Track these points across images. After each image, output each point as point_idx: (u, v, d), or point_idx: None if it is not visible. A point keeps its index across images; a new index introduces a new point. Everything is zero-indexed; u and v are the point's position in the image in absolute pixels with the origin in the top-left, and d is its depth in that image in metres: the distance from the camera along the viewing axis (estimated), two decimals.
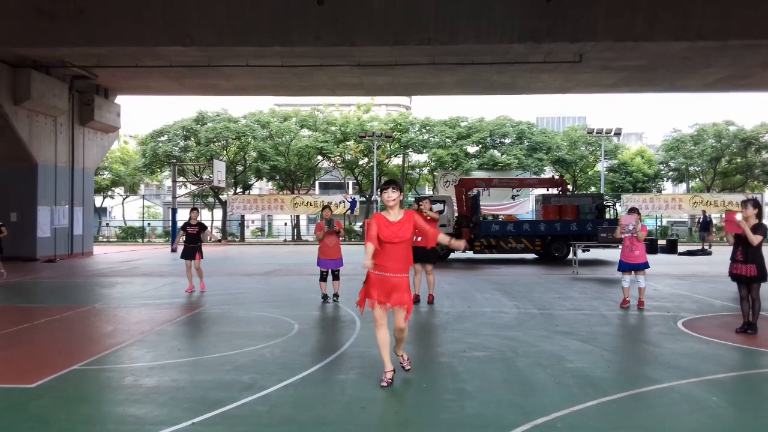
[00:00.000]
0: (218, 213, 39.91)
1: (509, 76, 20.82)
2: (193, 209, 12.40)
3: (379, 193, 5.48)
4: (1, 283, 13.78)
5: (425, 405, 4.90)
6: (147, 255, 23.90)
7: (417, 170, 40.44)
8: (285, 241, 37.74)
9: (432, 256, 10.23)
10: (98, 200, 40.22)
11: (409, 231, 5.29)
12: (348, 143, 38.03)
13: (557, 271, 16.49)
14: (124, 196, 44.59)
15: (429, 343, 7.36)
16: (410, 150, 38.28)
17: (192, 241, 11.80)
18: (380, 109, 51.17)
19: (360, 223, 37.19)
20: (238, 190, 38.78)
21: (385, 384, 5.26)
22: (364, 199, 38.03)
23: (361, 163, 38.99)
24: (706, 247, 24.33)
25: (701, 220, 26.71)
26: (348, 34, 16.15)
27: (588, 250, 19.40)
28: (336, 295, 10.41)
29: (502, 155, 37.98)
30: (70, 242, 22.30)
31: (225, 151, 37.41)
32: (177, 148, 37.31)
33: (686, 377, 5.57)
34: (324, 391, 5.21)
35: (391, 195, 5.26)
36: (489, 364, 6.11)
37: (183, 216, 35.07)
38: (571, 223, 19.83)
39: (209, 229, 12.60)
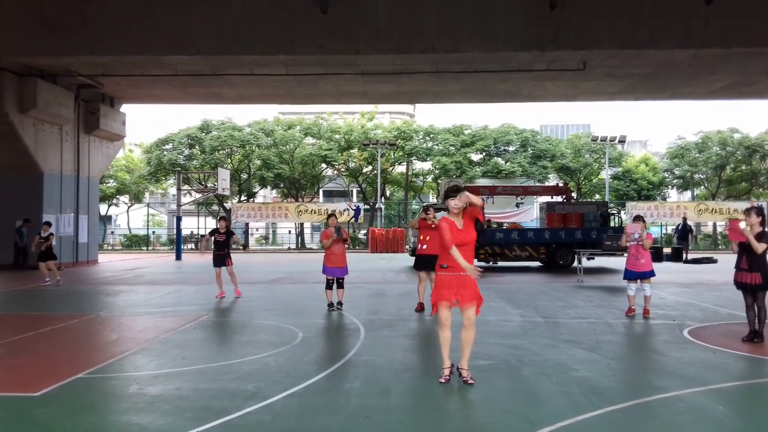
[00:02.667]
0: None
1: (513, 83, 20.85)
2: (222, 218, 12.82)
3: (441, 198, 5.93)
4: (45, 287, 14.21)
5: (430, 414, 4.89)
6: (152, 263, 23.94)
7: (421, 178, 40.46)
8: (289, 249, 37.75)
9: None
10: (103, 208, 40.34)
11: (473, 233, 5.61)
12: (352, 151, 38.11)
13: (562, 279, 16.44)
14: (129, 205, 44.73)
15: (433, 351, 7.32)
16: (414, 158, 38.33)
17: (221, 248, 12.11)
18: (384, 117, 51.28)
19: (364, 231, 37.19)
20: (243, 198, 38.87)
21: (443, 380, 5.55)
22: (368, 206, 38.05)
23: (365, 170, 39.04)
24: (694, 257, 23.84)
25: (680, 227, 25.96)
26: (352, 42, 16.21)
27: (593, 258, 19.32)
28: (340, 303, 10.39)
29: (506, 163, 38.01)
30: (76, 250, 22.35)
31: (229, 159, 37.52)
32: (182, 157, 37.46)
33: (692, 386, 5.54)
34: (328, 400, 5.20)
35: (458, 204, 5.52)
36: (494, 372, 6.09)
37: (188, 224, 35.25)
38: (576, 231, 19.77)
39: (236, 235, 12.88)
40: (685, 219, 26.94)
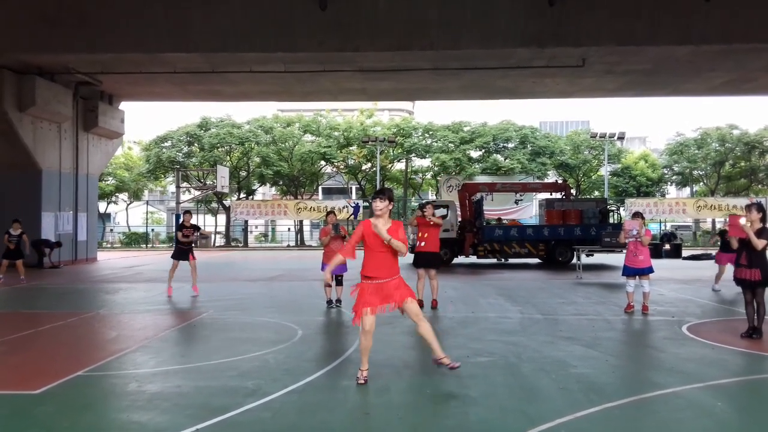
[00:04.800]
0: (222, 218, 39.97)
1: (512, 80, 20.82)
2: (187, 212, 12.60)
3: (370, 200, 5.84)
4: (9, 287, 13.85)
5: (429, 411, 4.89)
6: (151, 261, 23.93)
7: (420, 175, 40.47)
8: (288, 246, 37.76)
9: (436, 262, 10.22)
10: (102, 206, 40.32)
11: (400, 236, 5.56)
12: (351, 148, 38.09)
13: (561, 275, 16.45)
14: (128, 202, 44.73)
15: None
16: (413, 155, 38.33)
17: (185, 243, 12.01)
18: (383, 114, 51.19)
19: None
20: (242, 195, 38.86)
21: (362, 381, 5.50)
22: (367, 204, 38.03)
23: (364, 168, 39.04)
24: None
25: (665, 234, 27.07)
26: (351, 39, 16.18)
27: (592, 255, 19.34)
28: (339, 301, 10.39)
29: (505, 160, 38.02)
30: (75, 248, 22.34)
31: (228, 157, 37.50)
32: (181, 154, 37.44)
33: (691, 382, 5.55)
34: (328, 397, 5.20)
35: (379, 204, 5.57)
36: (493, 369, 6.09)
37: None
38: (575, 228, 19.79)
39: (202, 229, 12.69)
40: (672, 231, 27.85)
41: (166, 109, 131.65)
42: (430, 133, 38.22)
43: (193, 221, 12.54)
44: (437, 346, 5.60)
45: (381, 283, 5.52)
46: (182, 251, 12.02)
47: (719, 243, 13.21)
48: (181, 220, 12.28)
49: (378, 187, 34.94)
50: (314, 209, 34.38)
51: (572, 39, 16.03)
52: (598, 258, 20.42)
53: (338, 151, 37.34)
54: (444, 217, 18.10)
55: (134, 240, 38.12)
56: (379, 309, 5.49)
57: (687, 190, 41.85)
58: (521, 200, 28.92)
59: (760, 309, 7.46)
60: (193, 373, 6.07)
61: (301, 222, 38.67)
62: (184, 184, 33.75)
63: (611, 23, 15.75)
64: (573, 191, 32.78)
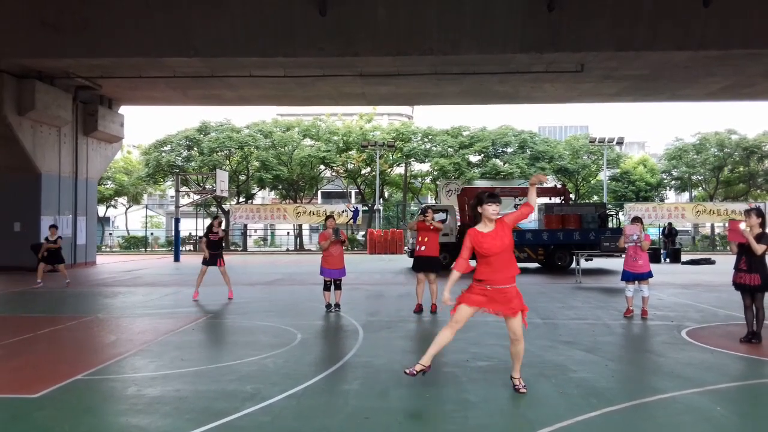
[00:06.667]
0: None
1: (511, 85, 20.88)
2: (216, 217, 12.69)
3: (473, 205, 5.45)
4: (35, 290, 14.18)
5: (429, 415, 4.89)
6: (150, 265, 23.92)
7: (419, 179, 40.48)
8: (288, 250, 37.73)
9: (435, 265, 10.22)
10: (101, 210, 40.31)
11: (508, 237, 5.27)
12: (350, 153, 38.12)
13: (560, 280, 16.46)
14: (127, 206, 44.71)
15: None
16: (412, 159, 38.36)
17: (216, 248, 12.16)
18: (382, 119, 51.33)
19: (362, 233, 37.20)
20: (241, 199, 38.85)
21: (408, 372, 5.30)
22: (366, 208, 38.06)
23: (363, 172, 39.06)
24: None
25: (665, 230, 27.43)
26: (351, 44, 16.23)
27: (591, 260, 19.34)
28: (338, 305, 10.39)
29: (504, 164, 38.05)
30: (74, 252, 22.32)
31: (228, 161, 37.52)
32: (180, 158, 37.46)
33: (690, 387, 5.55)
34: (327, 402, 5.20)
35: (496, 209, 5.26)
36: (493, 374, 6.09)
37: (186, 225, 35.20)
38: (574, 233, 19.80)
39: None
40: (670, 224, 27.99)
41: (165, 113, 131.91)
42: (430, 137, 38.27)
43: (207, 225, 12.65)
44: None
45: (499, 289, 5.27)
46: (213, 256, 12.06)
47: None
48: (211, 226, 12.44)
49: (377, 191, 35.03)
50: (313, 213, 34.39)
51: (571, 44, 16.09)
52: (598, 263, 20.43)
53: (337, 156, 37.36)
54: (443, 221, 18.11)
55: (133, 244, 38.09)
56: (499, 314, 5.30)
57: (686, 195, 41.88)
58: (520, 205, 28.94)
59: (759, 314, 7.47)
60: (193, 377, 6.07)
61: (300, 226, 38.66)
62: (184, 188, 33.70)
63: (610, 29, 15.81)
64: (572, 196, 32.77)
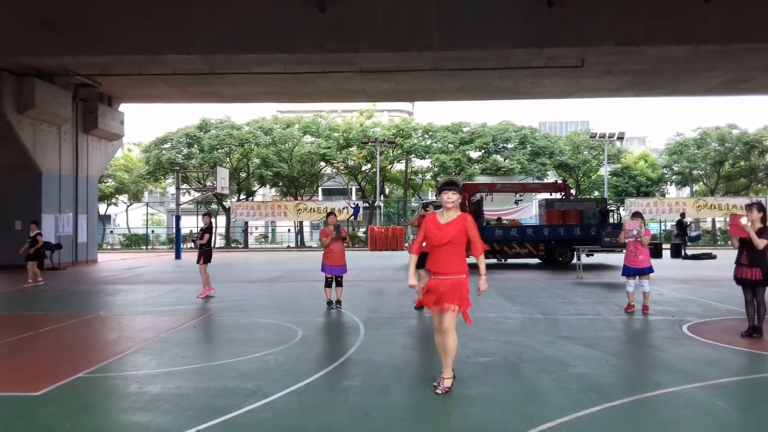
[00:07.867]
0: (222, 220, 39.96)
1: (511, 81, 20.85)
2: (205, 214, 12.78)
3: (436, 193, 5.34)
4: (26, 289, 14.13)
5: (429, 411, 4.89)
6: (151, 262, 23.94)
7: (420, 176, 40.46)
8: (288, 247, 37.75)
9: None
10: (102, 208, 40.32)
11: (450, 234, 5.12)
12: (351, 149, 38.09)
13: (561, 275, 16.45)
14: (127, 204, 44.72)
15: (433, 348, 7.33)
16: (413, 155, 38.33)
17: (201, 245, 12.34)
18: (383, 115, 51.21)
19: (363, 229, 37.20)
20: (242, 196, 38.84)
21: (440, 391, 5.16)
22: (367, 205, 38.05)
23: (364, 169, 39.04)
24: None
25: (679, 222, 26.70)
26: (351, 41, 16.19)
27: (592, 255, 19.34)
28: (339, 302, 10.40)
29: (504, 160, 38.02)
30: (75, 250, 22.34)
31: (228, 158, 37.50)
32: (180, 156, 37.43)
33: (691, 382, 5.56)
34: (328, 398, 5.21)
35: (452, 197, 5.17)
36: (493, 369, 6.09)
37: (187, 223, 35.24)
38: (575, 228, 19.78)
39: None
40: (683, 214, 27.08)
41: (165, 110, 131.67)
42: (430, 133, 38.24)
43: (201, 224, 12.66)
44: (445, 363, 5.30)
45: (438, 280, 5.18)
46: (198, 254, 12.34)
47: None
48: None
49: (378, 188, 35.01)
50: (314, 210, 34.38)
51: (571, 39, 16.05)
52: (598, 258, 20.42)
53: (338, 152, 37.34)
54: None
55: (134, 242, 38.10)
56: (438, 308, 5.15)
57: (687, 190, 41.83)
58: (521, 200, 28.87)
59: (760, 308, 7.47)
60: (194, 374, 6.08)
61: (301, 223, 38.66)
62: (184, 186, 33.74)
63: (610, 24, 15.77)
64: (573, 191, 32.75)
